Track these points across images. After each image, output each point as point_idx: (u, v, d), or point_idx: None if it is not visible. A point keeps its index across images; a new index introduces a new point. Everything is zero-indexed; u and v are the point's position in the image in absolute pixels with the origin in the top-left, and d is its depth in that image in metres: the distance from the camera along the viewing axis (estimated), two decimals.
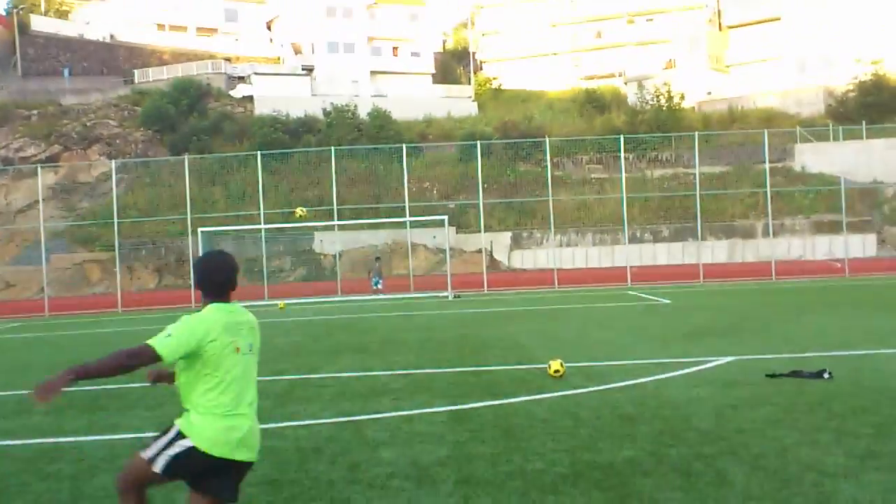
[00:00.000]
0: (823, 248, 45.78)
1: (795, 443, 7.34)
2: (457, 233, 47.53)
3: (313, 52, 68.30)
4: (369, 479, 6.74)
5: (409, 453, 7.50)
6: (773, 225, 38.48)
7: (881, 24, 62.08)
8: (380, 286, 33.97)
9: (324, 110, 56.48)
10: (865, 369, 10.99)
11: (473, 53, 77.86)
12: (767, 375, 10.54)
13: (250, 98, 60.28)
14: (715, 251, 45.43)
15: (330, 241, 43.13)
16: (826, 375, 10.35)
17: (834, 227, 44.26)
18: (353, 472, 6.95)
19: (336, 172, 37.74)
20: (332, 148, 39.04)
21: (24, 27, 62.72)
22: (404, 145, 38.68)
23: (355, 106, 56.52)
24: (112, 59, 65.82)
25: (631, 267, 35.75)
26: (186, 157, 37.72)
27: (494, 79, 74.46)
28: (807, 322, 17.43)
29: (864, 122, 51.73)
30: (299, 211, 30.86)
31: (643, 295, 27.68)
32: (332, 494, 6.35)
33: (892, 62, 60.10)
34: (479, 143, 38.88)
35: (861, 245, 45.92)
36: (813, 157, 51.67)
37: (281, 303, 30.15)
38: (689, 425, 8.13)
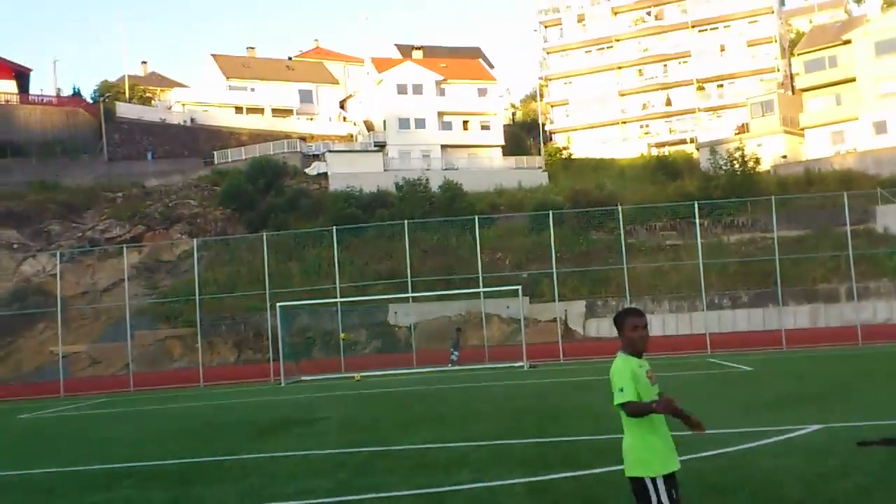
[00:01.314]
0: None
1: None
2: (530, 302, 47.33)
3: (385, 128, 69.75)
4: None
5: None
6: (857, 288, 37.44)
7: None
8: (456, 357, 33.96)
9: (396, 185, 57.39)
10: None
11: (543, 124, 78.53)
12: (858, 443, 10.21)
13: (325, 175, 61.64)
14: (797, 316, 44.27)
15: (404, 314, 43.37)
16: None
17: None
18: None
19: (409, 245, 38.21)
20: (406, 221, 39.58)
21: (110, 114, 65.67)
22: (476, 217, 39.00)
23: (427, 180, 57.29)
24: (192, 141, 68.28)
25: (710, 333, 35.08)
26: (265, 234, 38.64)
27: (565, 148, 74.86)
28: None
29: None
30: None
31: (723, 362, 27.10)
32: None
33: None
34: (550, 212, 38.98)
35: None
36: (895, 219, 50.35)
37: (357, 375, 30.36)
38: (777, 495, 7.93)
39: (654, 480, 4.75)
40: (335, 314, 37.97)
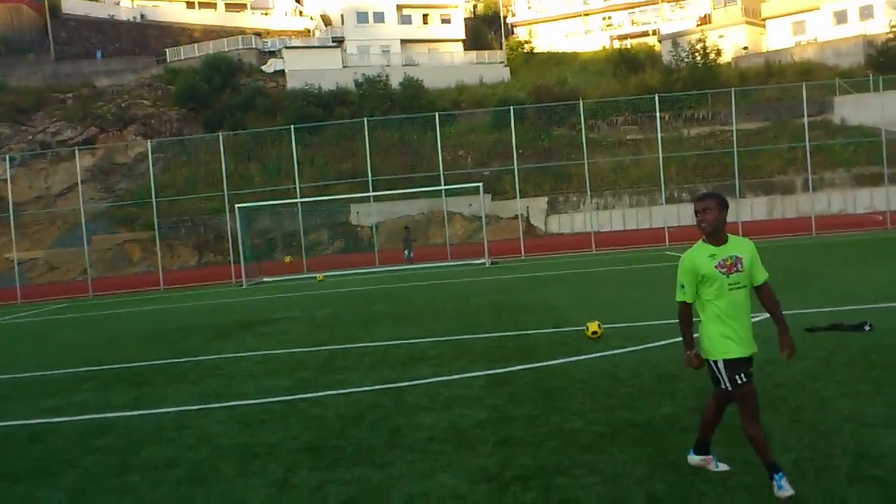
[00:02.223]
0: (864, 201, 44.94)
1: (834, 395, 7.30)
2: (492, 200, 47.36)
3: (343, 23, 68.09)
4: (410, 443, 6.83)
5: (449, 417, 7.57)
6: (812, 180, 37.87)
7: None
8: (411, 256, 34.11)
9: (356, 82, 56.33)
10: None
11: (504, 17, 77.09)
12: (807, 329, 10.44)
13: (282, 73, 60.32)
14: (754, 208, 44.83)
15: (366, 214, 43.26)
16: (867, 328, 10.24)
17: (875, 180, 43.41)
18: (393, 437, 7.04)
19: (370, 144, 37.76)
20: (365, 119, 39.01)
21: (55, 10, 63.16)
22: (437, 114, 38.54)
23: (387, 76, 56.29)
24: (143, 39, 66.11)
25: (669, 227, 35.44)
26: (221, 135, 37.93)
27: (527, 42, 73.72)
28: (848, 276, 17.20)
29: None
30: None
31: (681, 255, 27.44)
32: (374, 459, 6.45)
33: None
34: (512, 108, 38.60)
35: None
36: (853, 110, 50.58)
37: (319, 275, 30.39)
38: None
39: (716, 363, 5.18)
40: (296, 215, 37.69)
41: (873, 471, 5.34)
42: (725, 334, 5.13)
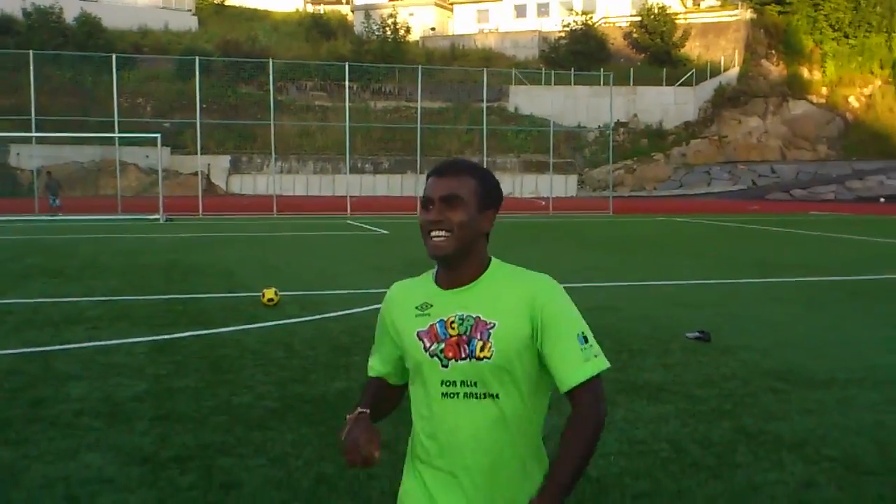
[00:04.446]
0: (530, 185, 48.55)
1: None
2: (171, 153, 45.09)
3: None
4: (53, 416, 6.05)
5: (103, 388, 6.84)
6: (486, 162, 40.08)
7: None
8: (58, 204, 31.17)
9: (24, 10, 50.95)
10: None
11: None
12: None
13: None
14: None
15: (28, 156, 39.22)
16: None
17: (541, 167, 46.99)
18: (35, 410, 6.20)
19: (36, 80, 34.12)
20: (31, 52, 35.21)
21: None
22: (115, 55, 35.74)
23: (61, 9, 51.46)
24: None
25: (351, 197, 35.80)
26: None
27: None
28: (511, 256, 18.23)
29: (572, 69, 55.03)
30: None
31: (362, 224, 27.81)
32: (8, 435, 5.62)
33: (600, 14, 64.28)
34: (198, 58, 36.78)
35: (564, 185, 49.20)
36: (526, 99, 54.33)
37: None
38: None
39: None
40: None
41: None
42: (412, 491, 2.30)
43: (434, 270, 2.34)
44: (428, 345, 2.22)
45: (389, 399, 2.48)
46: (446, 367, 2.20)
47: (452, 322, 2.20)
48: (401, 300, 2.36)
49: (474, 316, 2.19)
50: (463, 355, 2.18)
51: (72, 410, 6.21)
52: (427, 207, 2.22)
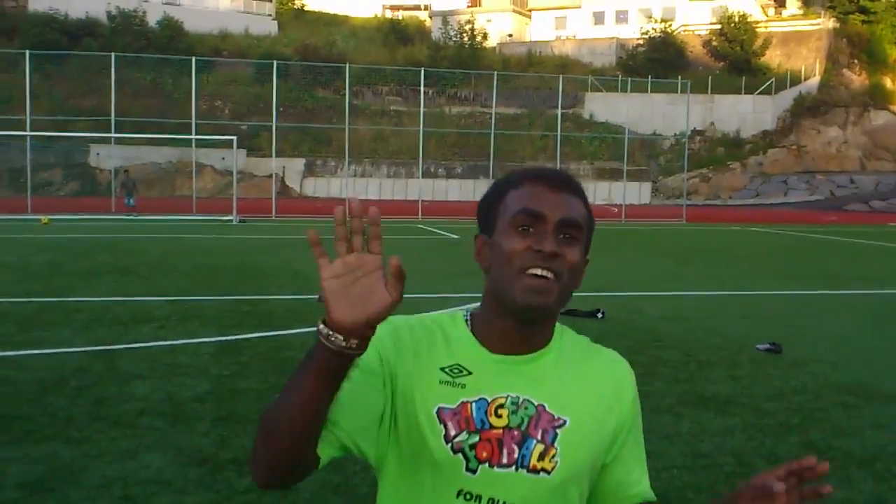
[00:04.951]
0: (603, 193, 47.91)
1: None
2: (248, 156, 45.76)
3: None
4: (116, 415, 6.03)
5: (167, 388, 6.81)
6: (560, 168, 39.64)
7: None
8: (133, 203, 31.60)
9: (109, 14, 52.34)
10: (635, 310, 11.35)
11: None
12: None
13: None
14: None
15: (107, 156, 40.24)
16: (600, 315, 10.55)
17: (615, 175, 46.36)
18: (98, 408, 6.19)
19: (118, 82, 34.99)
20: (114, 54, 36.11)
21: None
22: (194, 58, 36.42)
23: (144, 12, 52.75)
24: None
25: (423, 201, 35.79)
26: None
27: None
28: None
29: (649, 77, 54.25)
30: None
31: (433, 229, 27.74)
32: (70, 433, 5.60)
33: (679, 22, 63.29)
34: (276, 62, 37.26)
35: (637, 193, 48.49)
36: (601, 106, 53.74)
37: (44, 217, 27.66)
38: None
39: None
40: (25, 150, 34.20)
41: None
42: None
43: (468, 314, 1.54)
44: (453, 432, 1.39)
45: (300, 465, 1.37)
46: (474, 472, 1.38)
47: (500, 406, 1.41)
48: (418, 345, 1.47)
49: (536, 404, 1.42)
50: (507, 461, 1.39)
51: (134, 410, 6.18)
52: (525, 229, 1.42)
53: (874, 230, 32.77)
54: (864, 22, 59.51)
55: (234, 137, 31.74)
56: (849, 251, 23.04)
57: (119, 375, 7.20)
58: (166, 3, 57.91)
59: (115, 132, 34.74)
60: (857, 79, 58.78)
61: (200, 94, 37.75)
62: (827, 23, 59.68)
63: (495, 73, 41.32)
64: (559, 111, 39.30)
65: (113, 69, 34.24)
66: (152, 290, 12.27)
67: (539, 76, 51.69)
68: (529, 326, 1.45)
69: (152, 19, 52.77)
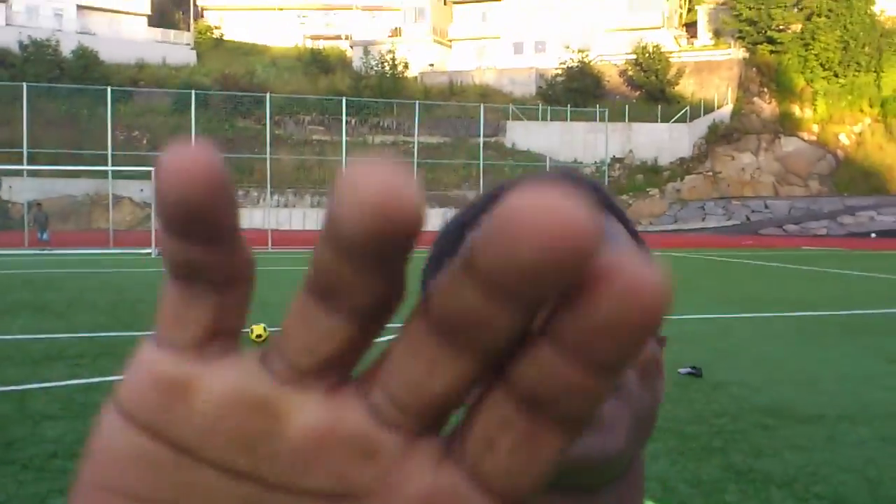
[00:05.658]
0: None
1: None
2: None
3: None
4: (25, 459, 5.80)
5: (80, 428, 6.59)
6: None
7: (589, 16, 66.61)
8: (46, 237, 30.75)
9: (20, 43, 51.12)
10: None
11: None
12: None
13: None
14: (432, 219, 46.66)
15: (19, 189, 39.09)
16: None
17: None
18: (6, 452, 5.95)
19: (30, 112, 34.11)
20: (26, 84, 35.19)
21: None
22: (110, 88, 35.73)
23: (58, 41, 51.65)
24: None
25: None
26: None
27: (216, 28, 71.36)
28: None
29: (569, 106, 55.23)
30: None
31: None
32: None
33: (595, 52, 64.69)
34: (194, 92, 36.81)
35: None
36: (522, 135, 54.48)
37: None
38: None
39: None
40: None
41: None
42: None
43: None
44: None
45: None
46: None
47: None
48: None
49: None
50: None
51: (45, 452, 5.97)
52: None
53: (789, 253, 33.83)
54: (772, 52, 61.77)
55: (153, 168, 31.15)
56: (766, 274, 23.67)
57: (29, 417, 6.95)
58: (81, 33, 56.86)
59: (28, 164, 33.79)
60: (767, 107, 60.89)
61: (117, 124, 37.06)
62: (737, 53, 61.78)
63: (417, 102, 41.59)
64: (481, 140, 39.72)
65: (25, 99, 33.39)
66: (67, 326, 11.92)
67: (461, 105, 52.20)
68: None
69: (66, 49, 51.71)
